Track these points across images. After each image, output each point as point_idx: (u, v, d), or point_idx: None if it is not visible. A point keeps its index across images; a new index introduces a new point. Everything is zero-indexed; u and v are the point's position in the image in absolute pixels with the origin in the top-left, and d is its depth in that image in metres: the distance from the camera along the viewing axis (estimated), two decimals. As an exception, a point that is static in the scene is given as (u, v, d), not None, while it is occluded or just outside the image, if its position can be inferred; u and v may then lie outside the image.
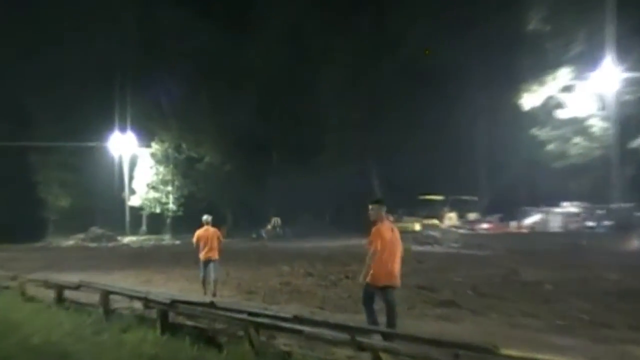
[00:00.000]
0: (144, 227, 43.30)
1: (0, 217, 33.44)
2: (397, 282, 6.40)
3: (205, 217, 11.03)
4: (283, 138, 43.49)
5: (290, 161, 42.11)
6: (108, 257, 21.39)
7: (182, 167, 44.27)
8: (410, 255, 13.32)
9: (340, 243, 24.97)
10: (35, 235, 36.60)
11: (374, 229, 6.31)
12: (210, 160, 44.50)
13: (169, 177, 44.08)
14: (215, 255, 10.76)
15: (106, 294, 8.00)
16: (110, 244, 33.27)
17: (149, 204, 43.47)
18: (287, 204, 40.88)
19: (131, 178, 43.29)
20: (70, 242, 34.99)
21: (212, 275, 10.60)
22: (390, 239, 6.33)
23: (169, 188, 44.01)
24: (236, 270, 14.14)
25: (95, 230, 37.21)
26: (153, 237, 39.52)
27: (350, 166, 39.27)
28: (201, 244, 10.81)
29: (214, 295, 10.12)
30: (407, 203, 33.94)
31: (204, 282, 10.65)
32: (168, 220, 43.71)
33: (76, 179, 42.94)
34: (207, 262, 10.77)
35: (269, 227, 38.07)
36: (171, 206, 43.89)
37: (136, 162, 43.09)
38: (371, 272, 6.25)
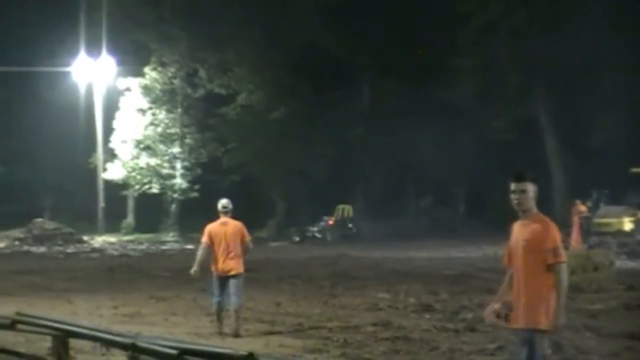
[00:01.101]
0: (129, 220, 43.18)
1: None
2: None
3: (222, 203, 10.53)
4: (385, 63, 43.23)
5: (395, 107, 42.93)
6: (66, 272, 20.86)
7: (199, 112, 43.44)
8: (613, 279, 15.41)
9: (480, 253, 26.06)
10: None
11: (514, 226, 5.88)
12: (248, 101, 43.35)
13: (174, 130, 42.92)
14: (236, 266, 10.25)
15: (63, 338, 7.37)
16: (71, 249, 32.18)
17: (138, 177, 42.13)
18: (382, 183, 43.74)
19: (109, 131, 42.15)
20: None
21: (231, 301, 10.10)
22: (523, 247, 5.68)
23: (175, 149, 42.78)
24: (292, 296, 14.44)
25: (44, 224, 36.42)
26: (146, 236, 39.55)
27: (508, 114, 38.93)
28: (215, 248, 10.28)
29: (237, 335, 9.94)
30: (607, 182, 31.76)
31: (219, 313, 10.23)
32: (173, 208, 42.80)
33: (11, 133, 44.49)
34: (224, 278, 10.18)
35: (330, 221, 38.41)
36: (179, 182, 42.54)
37: (117, 104, 41.97)
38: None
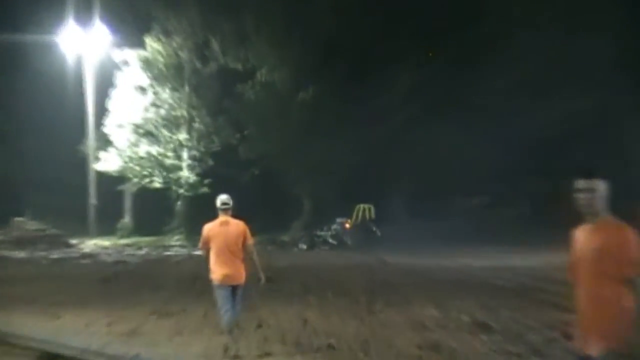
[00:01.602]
0: (126, 220, 44.60)
1: None
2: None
3: (221, 199, 10.68)
4: (427, 50, 44.71)
5: (436, 98, 42.81)
6: (52, 281, 21.55)
7: (210, 91, 43.54)
8: None
9: (543, 261, 25.97)
10: None
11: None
12: (270, 78, 43.43)
13: (180, 112, 43.34)
14: (240, 274, 10.62)
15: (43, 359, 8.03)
16: (57, 254, 32.65)
17: (137, 169, 42.73)
18: (420, 182, 44.49)
19: (102, 113, 42.73)
20: None
21: (235, 312, 10.68)
22: (593, 257, 5.61)
23: (182, 136, 43.23)
24: (322, 311, 14.69)
25: (25, 224, 36.89)
26: (146, 240, 40.11)
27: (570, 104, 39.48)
28: (213, 251, 10.66)
29: (225, 350, 10.44)
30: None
31: (231, 329, 10.61)
32: (179, 206, 43.76)
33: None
34: (231, 287, 10.53)
35: (347, 224, 38.70)
36: (185, 175, 43.28)
37: (113, 81, 42.61)
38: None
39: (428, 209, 43.09)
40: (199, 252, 30.86)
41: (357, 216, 39.62)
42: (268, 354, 10.49)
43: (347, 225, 38.85)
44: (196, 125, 42.79)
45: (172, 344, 11.58)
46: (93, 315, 14.42)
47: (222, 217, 10.67)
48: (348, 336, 12.18)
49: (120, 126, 41.43)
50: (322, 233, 38.45)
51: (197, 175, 42.32)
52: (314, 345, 11.31)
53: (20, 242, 34.25)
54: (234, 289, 10.56)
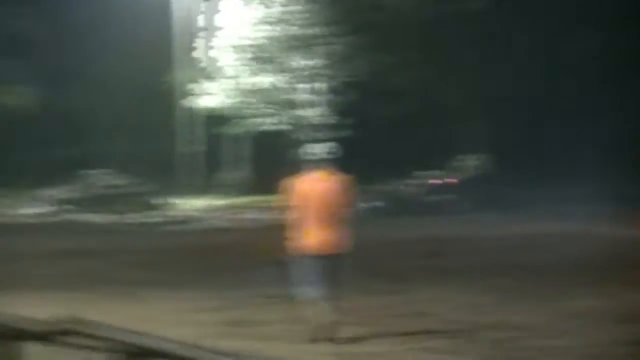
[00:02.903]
0: (234, 174, 45.27)
1: None
2: None
3: (319, 148, 11.87)
4: None
5: None
6: (135, 254, 22.18)
7: (352, 0, 42.82)
8: None
9: None
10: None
11: None
12: None
13: (312, 30, 41.94)
14: (337, 242, 11.34)
15: (131, 357, 6.63)
16: (141, 217, 34.04)
17: (252, 107, 42.46)
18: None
19: (197, 31, 43.67)
20: (33, 208, 35.80)
21: (326, 291, 11.23)
22: None
23: (314, 61, 42.55)
24: (503, 295, 14.93)
25: (101, 179, 37.98)
26: (262, 199, 37.52)
27: None
28: (305, 212, 11.37)
29: (331, 339, 10.97)
30: None
31: (313, 305, 11.28)
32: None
33: (52, 39, 47.81)
34: (318, 259, 11.15)
35: (438, 180, 40.37)
36: (318, 114, 43.07)
37: None
38: None
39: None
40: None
41: (461, 169, 40.07)
42: (429, 350, 10.45)
43: (438, 182, 39.63)
44: (334, 46, 41.70)
45: (290, 335, 11.48)
46: (188, 299, 14.84)
47: (319, 171, 11.19)
48: (534, 329, 11.93)
49: (225, 49, 41.34)
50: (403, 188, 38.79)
51: (335, 113, 41.86)
52: (485, 339, 11.22)
53: (95, 202, 35.15)
54: (328, 260, 11.04)
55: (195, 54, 42.77)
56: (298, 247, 11.28)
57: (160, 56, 43.85)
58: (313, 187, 11.32)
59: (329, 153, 11.56)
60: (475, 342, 11.05)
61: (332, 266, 11.12)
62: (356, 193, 11.71)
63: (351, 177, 11.58)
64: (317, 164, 11.43)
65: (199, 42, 42.57)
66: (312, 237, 11.12)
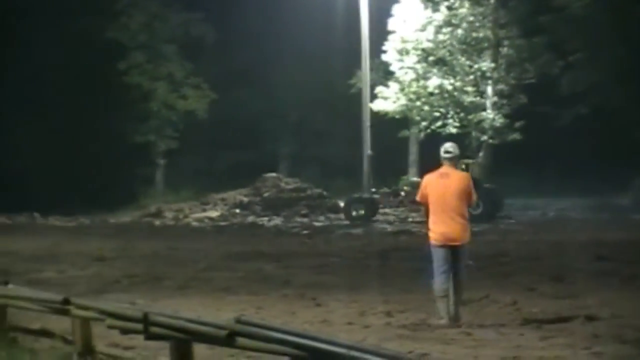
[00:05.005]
0: (411, 177, 43.88)
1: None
2: None
3: (445, 147, 12.38)
4: None
5: None
6: (313, 257, 23.03)
7: (523, 3, 42.79)
8: None
9: None
10: (121, 198, 41.15)
11: None
12: None
13: (484, 33, 42.29)
14: (463, 234, 12.08)
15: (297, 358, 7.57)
16: (320, 220, 35.00)
17: (426, 109, 42.57)
18: None
19: (381, 36, 43.17)
20: (211, 212, 36.67)
21: (458, 279, 12.15)
22: None
23: (485, 64, 42.42)
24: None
25: (279, 181, 38.57)
26: None
27: None
28: (432, 207, 12.20)
29: (458, 323, 11.87)
30: None
31: (444, 292, 12.13)
32: (480, 157, 43.41)
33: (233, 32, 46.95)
34: (448, 248, 11.99)
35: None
36: (490, 116, 42.35)
37: None
38: None
39: None
40: (510, 220, 34.64)
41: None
42: (601, 354, 10.41)
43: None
44: (505, 50, 41.81)
45: (469, 340, 11.60)
46: (367, 302, 14.83)
47: (443, 168, 12.09)
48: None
49: (403, 53, 41.61)
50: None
51: (505, 116, 41.60)
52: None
53: (272, 205, 35.39)
54: (453, 250, 11.88)
55: (383, 57, 42.42)
56: (430, 238, 12.05)
57: (339, 60, 43.18)
58: (440, 183, 11.98)
59: (452, 151, 12.15)
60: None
61: (456, 255, 11.93)
62: (474, 190, 12.29)
63: (468, 174, 12.90)
64: (448, 161, 12.08)
65: (387, 45, 42.13)
66: (439, 228, 11.88)
